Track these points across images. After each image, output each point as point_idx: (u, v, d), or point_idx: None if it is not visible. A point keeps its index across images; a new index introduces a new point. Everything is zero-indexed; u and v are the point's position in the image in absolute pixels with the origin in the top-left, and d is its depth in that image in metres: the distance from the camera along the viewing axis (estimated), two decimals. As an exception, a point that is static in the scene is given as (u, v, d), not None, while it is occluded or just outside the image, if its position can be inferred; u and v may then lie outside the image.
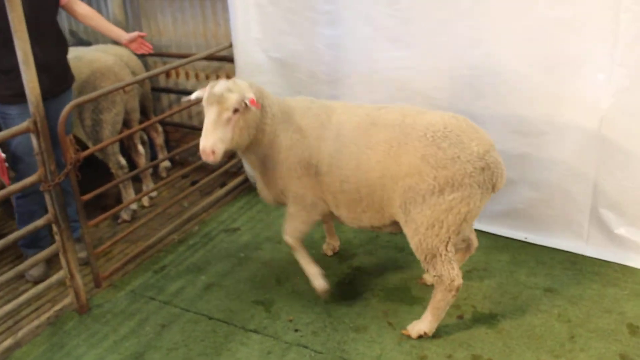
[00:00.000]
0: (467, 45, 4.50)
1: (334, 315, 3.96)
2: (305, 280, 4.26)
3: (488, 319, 3.89)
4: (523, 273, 4.35)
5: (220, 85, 3.47)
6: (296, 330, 3.85)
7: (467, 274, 4.20)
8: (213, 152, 3.40)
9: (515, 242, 4.72)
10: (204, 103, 3.50)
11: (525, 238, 4.77)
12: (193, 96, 3.66)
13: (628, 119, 4.20)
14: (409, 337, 3.73)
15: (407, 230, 3.53)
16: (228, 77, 5.86)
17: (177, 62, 5.36)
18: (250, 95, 3.47)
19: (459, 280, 3.53)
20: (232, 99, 3.43)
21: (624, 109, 4.18)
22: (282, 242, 4.83)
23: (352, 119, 3.72)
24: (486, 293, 4.14)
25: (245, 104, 3.46)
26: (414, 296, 4.15)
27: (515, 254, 4.58)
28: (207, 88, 3.53)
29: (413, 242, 3.53)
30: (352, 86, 5.02)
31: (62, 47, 4.46)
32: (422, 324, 3.72)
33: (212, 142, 3.40)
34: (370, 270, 4.45)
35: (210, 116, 3.44)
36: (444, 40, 4.55)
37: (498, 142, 4.52)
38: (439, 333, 3.75)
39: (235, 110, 3.46)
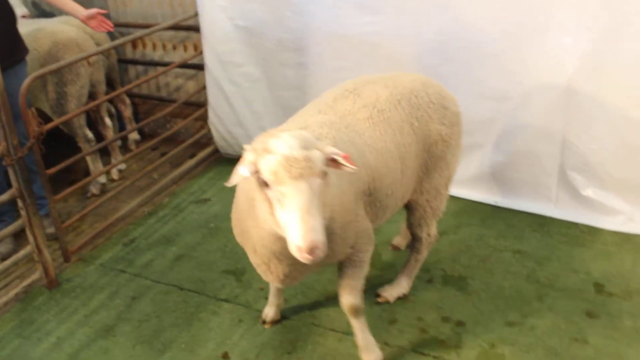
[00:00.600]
0: (435, 10, 4.48)
1: (304, 283, 3.96)
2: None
3: (457, 282, 3.92)
4: (492, 236, 4.39)
5: (290, 144, 2.26)
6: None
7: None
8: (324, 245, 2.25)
9: (484, 206, 4.75)
10: (275, 178, 2.23)
11: (495, 202, 4.80)
12: (245, 172, 2.29)
13: (593, 83, 4.22)
14: (386, 302, 3.75)
15: (427, 198, 3.45)
16: (196, 47, 5.77)
17: (141, 32, 5.26)
18: (332, 148, 2.39)
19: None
20: (319, 159, 2.29)
21: (589, 73, 4.20)
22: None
23: (356, 116, 3.07)
24: (456, 257, 4.17)
25: (334, 162, 2.38)
26: (384, 261, 4.16)
27: (484, 217, 4.62)
28: (265, 155, 2.27)
29: (430, 207, 3.49)
30: (320, 53, 4.97)
31: (7, 18, 4.27)
32: (400, 287, 3.77)
33: (321, 232, 2.24)
34: (341, 237, 4.44)
35: (303, 194, 2.22)
36: (411, 5, 4.52)
37: (466, 107, 4.53)
38: (409, 297, 3.78)
39: (324, 175, 2.33)
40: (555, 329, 3.50)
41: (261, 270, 2.97)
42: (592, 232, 4.39)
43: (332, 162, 2.37)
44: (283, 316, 3.71)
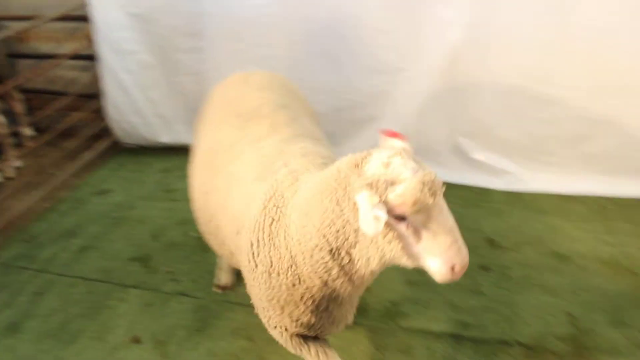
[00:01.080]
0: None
1: (212, 263, 3.99)
2: (181, 232, 4.30)
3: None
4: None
5: (411, 166, 2.00)
6: (175, 281, 3.87)
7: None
8: None
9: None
10: (417, 206, 1.95)
11: (391, 172, 4.98)
12: (384, 215, 1.95)
13: (477, 53, 4.47)
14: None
15: None
16: (88, 38, 5.64)
17: (27, 24, 5.10)
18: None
19: None
20: None
21: (473, 43, 4.44)
22: (155, 199, 4.83)
23: (282, 123, 2.82)
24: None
25: None
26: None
27: (383, 187, 4.78)
28: (393, 187, 1.98)
29: None
30: (215, 37, 4.99)
31: None
32: None
33: None
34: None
35: (447, 211, 2.08)
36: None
37: (359, 81, 4.71)
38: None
39: None
40: (452, 284, 3.68)
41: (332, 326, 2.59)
42: (484, 193, 4.65)
43: None
44: (192, 295, 3.74)
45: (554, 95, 4.44)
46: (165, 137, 5.50)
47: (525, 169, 4.69)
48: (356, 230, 2.10)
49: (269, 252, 2.37)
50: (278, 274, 2.35)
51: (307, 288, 2.34)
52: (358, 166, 2.07)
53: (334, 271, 2.23)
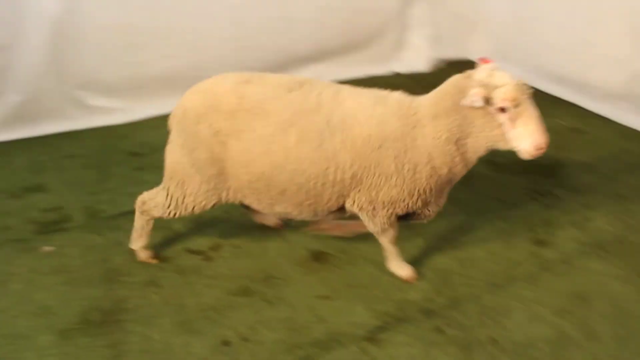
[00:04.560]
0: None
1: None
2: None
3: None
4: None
5: (509, 76, 2.96)
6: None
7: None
8: None
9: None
10: (515, 102, 2.89)
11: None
12: (479, 102, 2.92)
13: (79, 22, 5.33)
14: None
15: None
16: None
17: None
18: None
19: None
20: None
21: (69, 14, 5.24)
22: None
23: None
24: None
25: None
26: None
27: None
28: (498, 88, 2.91)
29: None
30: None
31: None
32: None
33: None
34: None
35: (535, 107, 2.94)
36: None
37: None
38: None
39: None
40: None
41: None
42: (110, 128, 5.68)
43: None
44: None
45: (141, 42, 5.67)
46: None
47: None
48: (470, 123, 3.03)
49: (413, 153, 3.14)
50: (421, 170, 3.17)
51: (439, 176, 3.21)
52: (469, 77, 3.03)
53: (457, 159, 3.15)
